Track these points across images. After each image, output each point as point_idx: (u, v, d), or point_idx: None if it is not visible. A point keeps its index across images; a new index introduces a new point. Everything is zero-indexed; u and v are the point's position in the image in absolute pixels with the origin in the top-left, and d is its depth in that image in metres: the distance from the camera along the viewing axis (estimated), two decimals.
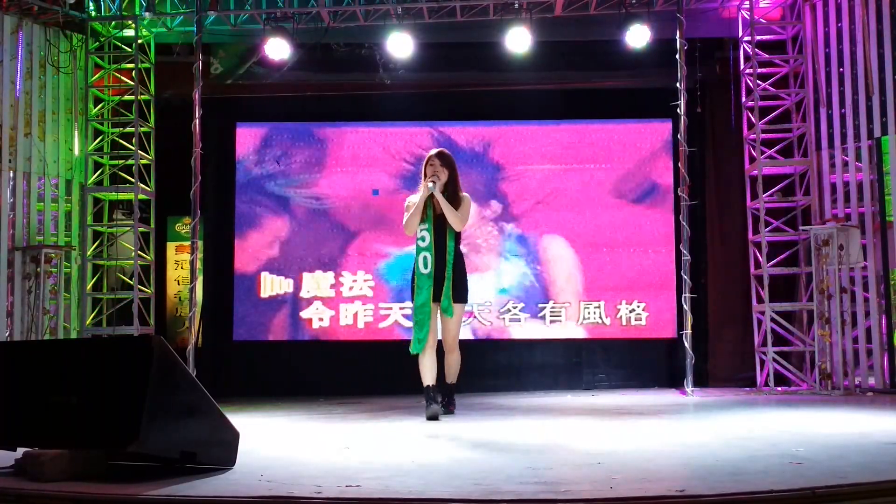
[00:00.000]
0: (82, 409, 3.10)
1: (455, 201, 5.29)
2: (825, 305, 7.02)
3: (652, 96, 8.06)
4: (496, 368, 8.26)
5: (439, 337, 5.36)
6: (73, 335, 7.71)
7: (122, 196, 8.00)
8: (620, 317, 8.27)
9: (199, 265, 7.92)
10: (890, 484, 2.69)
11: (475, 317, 8.27)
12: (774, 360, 7.25)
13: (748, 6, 7.59)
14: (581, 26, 7.89)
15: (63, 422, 3.14)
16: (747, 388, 7.55)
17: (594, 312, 8.29)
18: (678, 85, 7.39)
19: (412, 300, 5.30)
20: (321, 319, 8.37)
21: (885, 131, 7.09)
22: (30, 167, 7.47)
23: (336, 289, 8.39)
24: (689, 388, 7.08)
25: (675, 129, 7.71)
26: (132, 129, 7.93)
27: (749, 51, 7.62)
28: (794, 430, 4.41)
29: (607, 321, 8.28)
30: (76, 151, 7.94)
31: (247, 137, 8.59)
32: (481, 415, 5.63)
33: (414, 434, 4.51)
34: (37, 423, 3.25)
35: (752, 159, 7.71)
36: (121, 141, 8.02)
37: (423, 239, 5.28)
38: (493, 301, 8.32)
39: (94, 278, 7.97)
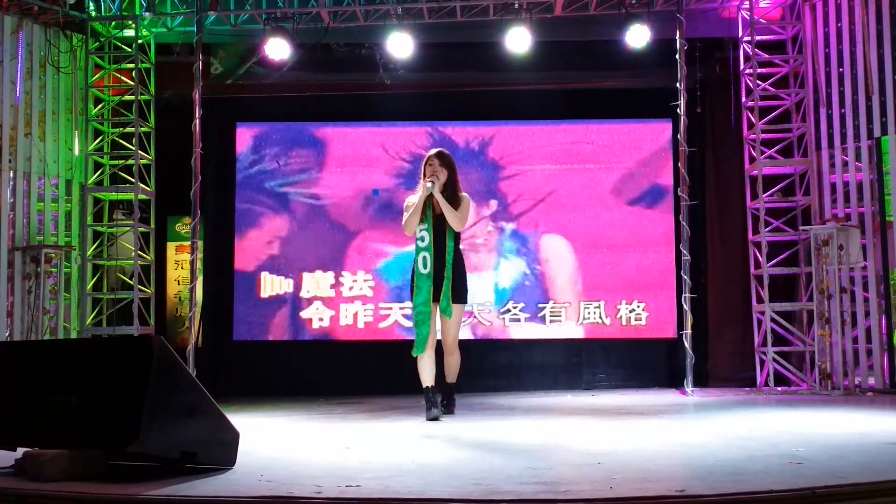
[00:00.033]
0: (82, 409, 3.10)
1: (454, 201, 5.28)
2: (825, 305, 7.02)
3: (652, 96, 8.06)
4: (496, 368, 8.26)
5: (438, 337, 5.35)
6: (73, 335, 7.71)
7: (122, 196, 8.00)
8: (620, 317, 8.27)
9: (199, 265, 7.92)
10: (890, 484, 2.69)
11: (475, 317, 8.27)
12: (774, 360, 7.25)
13: (748, 6, 7.59)
14: (581, 26, 7.89)
15: (63, 422, 3.14)
16: (747, 388, 7.55)
17: (594, 312, 8.29)
18: (678, 85, 7.39)
19: (411, 300, 5.29)
20: (321, 319, 8.37)
21: (885, 131, 7.09)
22: (30, 167, 7.47)
23: (336, 289, 8.39)
24: (689, 388, 7.08)
25: (675, 129, 7.71)
26: (132, 129, 7.93)
27: (749, 51, 7.62)
28: (794, 430, 4.41)
29: (607, 321, 8.28)
30: (76, 151, 7.94)
31: (247, 137, 8.59)
32: (481, 415, 5.63)
33: (414, 434, 4.51)
34: (37, 423, 3.25)
35: (752, 159, 7.71)
36: (121, 141, 8.02)
37: (422, 239, 5.27)
38: (492, 301, 8.33)
39: (94, 278, 7.97)
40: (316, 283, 8.40)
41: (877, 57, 7.14)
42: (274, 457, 3.66)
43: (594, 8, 7.61)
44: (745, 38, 7.73)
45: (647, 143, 8.46)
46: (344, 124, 8.59)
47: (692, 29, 7.67)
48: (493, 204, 8.43)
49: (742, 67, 7.83)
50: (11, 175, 7.33)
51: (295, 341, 8.37)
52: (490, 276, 8.35)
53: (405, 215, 5.34)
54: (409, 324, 5.32)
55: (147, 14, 7.77)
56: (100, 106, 8.11)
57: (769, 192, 7.64)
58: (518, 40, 7.52)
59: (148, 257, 8.03)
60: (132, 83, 7.97)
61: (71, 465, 3.02)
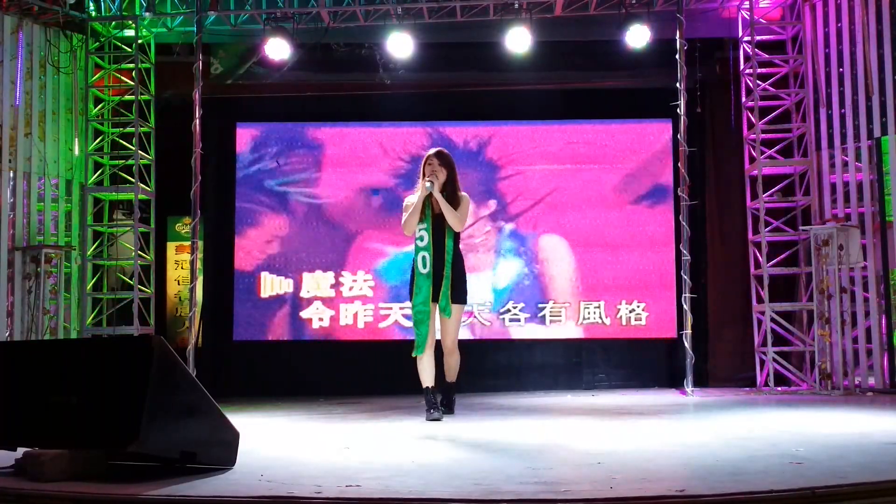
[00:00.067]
0: (82, 409, 3.10)
1: (454, 201, 5.27)
2: (825, 305, 7.02)
3: (652, 96, 8.06)
4: (496, 368, 8.26)
5: (438, 337, 5.35)
6: (73, 335, 7.72)
7: (122, 196, 8.00)
8: (620, 317, 8.27)
9: (199, 265, 7.92)
10: (890, 484, 2.69)
11: (475, 317, 8.27)
12: (774, 360, 7.25)
13: (748, 6, 7.59)
14: (581, 26, 7.89)
15: (63, 422, 3.14)
16: (747, 388, 7.55)
17: (594, 312, 8.29)
18: (678, 85, 7.39)
19: (411, 300, 5.28)
20: (321, 319, 8.37)
21: (885, 131, 7.09)
22: (30, 167, 7.47)
23: (336, 289, 8.39)
24: (689, 388, 7.08)
25: (675, 129, 7.71)
26: (132, 129, 7.93)
27: (749, 51, 7.62)
28: (794, 430, 4.41)
29: (607, 321, 8.28)
30: (76, 151, 7.94)
31: (247, 137, 8.59)
32: (481, 415, 5.63)
33: (414, 434, 4.51)
34: (37, 423, 3.25)
35: (752, 159, 7.71)
36: (121, 141, 8.02)
37: (421, 238, 5.26)
38: (492, 301, 8.33)
39: (95, 278, 7.97)
40: (316, 283, 8.40)
41: (877, 57, 7.14)
42: (274, 457, 3.66)
43: (594, 8, 7.61)
44: (745, 38, 7.73)
45: (647, 143, 8.45)
46: (344, 124, 8.59)
47: (692, 29, 7.67)
48: (492, 204, 8.43)
49: (742, 67, 7.83)
50: (11, 175, 7.34)
51: (295, 341, 8.37)
52: (490, 276, 8.35)
53: (404, 215, 5.33)
54: (409, 324, 5.31)
55: (147, 14, 7.77)
56: (100, 106, 8.11)
57: (769, 192, 7.64)
58: (518, 40, 7.52)
59: (148, 257, 8.03)
60: (132, 83, 7.97)
61: (71, 465, 3.02)
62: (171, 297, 9.00)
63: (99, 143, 8.07)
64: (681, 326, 7.57)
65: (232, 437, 3.34)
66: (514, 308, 8.31)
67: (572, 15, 7.69)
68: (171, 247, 9.03)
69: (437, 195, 5.21)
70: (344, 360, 8.19)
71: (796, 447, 3.60)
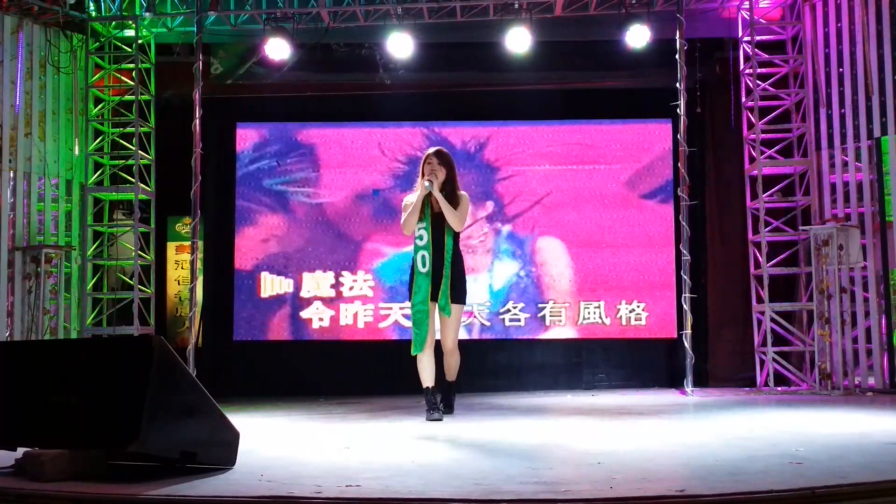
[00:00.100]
0: (82, 409, 3.10)
1: (453, 200, 5.26)
2: (825, 305, 7.02)
3: (652, 96, 8.06)
4: (496, 368, 8.26)
5: (438, 337, 5.35)
6: (74, 335, 7.72)
7: (123, 196, 8.00)
8: (620, 317, 8.27)
9: (199, 265, 7.92)
10: (890, 484, 2.69)
11: (475, 317, 8.27)
12: (774, 360, 7.25)
13: (748, 6, 7.60)
14: (581, 26, 7.89)
15: (63, 422, 3.14)
16: (747, 388, 7.55)
17: (594, 312, 8.29)
18: (678, 85, 7.39)
19: (410, 299, 5.28)
20: (321, 319, 8.37)
21: (884, 131, 7.09)
22: (30, 167, 7.47)
23: (336, 289, 8.39)
24: (689, 388, 7.08)
25: (675, 130, 7.71)
26: (132, 129, 7.93)
27: (749, 51, 7.62)
28: (794, 430, 4.41)
29: (607, 321, 8.28)
30: (76, 151, 7.94)
31: (247, 137, 8.59)
32: (481, 415, 5.63)
33: (414, 434, 4.51)
34: (37, 423, 3.25)
35: (752, 159, 7.71)
36: (121, 141, 8.02)
37: (420, 238, 5.25)
38: (492, 301, 8.33)
39: (95, 278, 7.97)
40: (316, 283, 8.40)
41: (877, 57, 7.14)
42: (274, 457, 3.66)
43: (594, 8, 7.61)
44: (745, 38, 7.73)
45: (647, 143, 8.45)
46: (344, 124, 8.58)
47: (692, 29, 7.67)
48: (490, 205, 8.43)
49: (742, 67, 7.83)
50: (11, 175, 7.34)
51: (295, 341, 8.37)
52: (490, 276, 8.34)
53: (403, 214, 5.33)
54: (409, 323, 5.30)
55: (147, 14, 7.77)
56: (100, 106, 8.11)
57: (769, 192, 7.64)
58: (518, 40, 7.52)
59: (148, 257, 8.03)
60: (132, 83, 7.97)
61: (71, 465, 3.02)
62: (171, 297, 9.00)
63: (99, 143, 8.07)
64: (681, 326, 7.57)
65: (232, 437, 3.34)
66: (514, 308, 8.31)
67: (572, 15, 7.69)
68: (171, 247, 9.03)
69: (437, 194, 5.20)
70: (344, 360, 8.19)
71: (796, 447, 3.60)
